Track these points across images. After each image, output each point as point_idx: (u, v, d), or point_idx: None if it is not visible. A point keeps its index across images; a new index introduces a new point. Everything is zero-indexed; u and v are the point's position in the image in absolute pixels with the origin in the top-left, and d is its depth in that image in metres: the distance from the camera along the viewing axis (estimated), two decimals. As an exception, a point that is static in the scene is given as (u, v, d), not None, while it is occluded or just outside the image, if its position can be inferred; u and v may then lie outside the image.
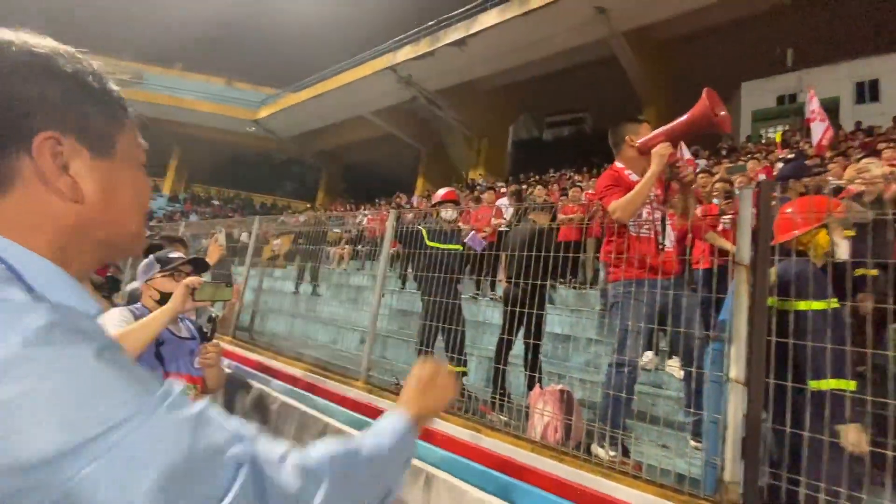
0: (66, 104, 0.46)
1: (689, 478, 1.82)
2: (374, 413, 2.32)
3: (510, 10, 13.35)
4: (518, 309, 2.90)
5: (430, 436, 2.08)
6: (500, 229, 4.85)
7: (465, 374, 3.33)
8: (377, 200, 16.75)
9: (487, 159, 19.05)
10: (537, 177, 15.70)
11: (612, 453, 1.90)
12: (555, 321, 4.59)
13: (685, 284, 2.41)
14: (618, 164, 2.50)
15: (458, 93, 17.01)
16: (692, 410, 2.11)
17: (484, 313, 4.80)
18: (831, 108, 14.15)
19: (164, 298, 1.62)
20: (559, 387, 2.56)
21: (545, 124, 23.48)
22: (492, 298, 4.96)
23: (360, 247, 9.85)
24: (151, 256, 1.76)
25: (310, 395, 2.60)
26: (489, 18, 13.86)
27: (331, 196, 26.07)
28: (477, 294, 5.01)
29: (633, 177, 2.38)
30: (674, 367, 3.47)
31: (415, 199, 12.44)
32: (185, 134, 25.85)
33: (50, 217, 0.44)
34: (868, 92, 14.48)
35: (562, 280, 4.81)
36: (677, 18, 12.82)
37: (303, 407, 2.15)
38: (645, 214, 2.36)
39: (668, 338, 2.25)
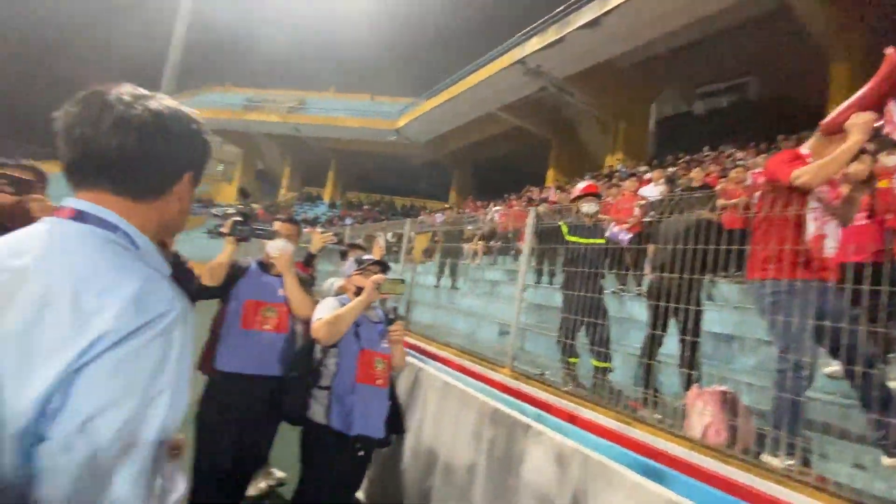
0: (201, 156, 0.80)
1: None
2: (523, 397, 2.50)
3: (651, -24, 12.14)
4: (668, 304, 2.77)
5: (581, 423, 2.17)
6: (646, 220, 4.58)
7: (610, 369, 3.29)
8: (506, 195, 16.92)
9: (626, 143, 17.67)
10: (688, 157, 14.04)
11: (788, 462, 1.74)
12: (714, 319, 4.17)
13: (884, 280, 2.02)
14: (802, 150, 2.22)
15: (590, 76, 16.13)
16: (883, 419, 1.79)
17: (629, 309, 4.60)
18: None
19: (359, 291, 2.05)
20: (721, 388, 2.39)
21: (696, 96, 20.74)
22: (638, 294, 4.72)
23: (492, 242, 10.19)
24: (352, 258, 2.23)
25: (463, 376, 2.91)
26: (626, -10, 12.82)
27: (461, 194, 27.19)
28: (622, 288, 4.81)
29: None
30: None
31: (551, 192, 12.19)
32: (339, 148, 29.74)
33: (167, 215, 0.78)
34: None
35: (724, 274, 4.32)
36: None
37: (461, 385, 2.43)
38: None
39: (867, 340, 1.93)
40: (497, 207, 13.71)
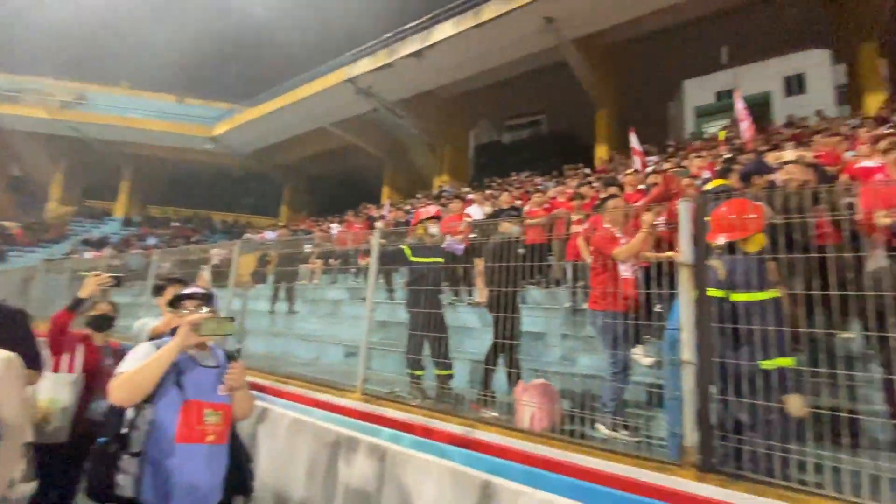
0: None
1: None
2: (378, 420, 2.52)
3: (464, 22, 13.77)
4: (500, 314, 3.18)
5: (436, 436, 2.30)
6: (472, 236, 5.12)
7: (451, 376, 3.56)
8: (344, 212, 16.71)
9: (452, 166, 19.39)
10: (499, 180, 16.16)
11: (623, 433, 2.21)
12: (528, 321, 4.90)
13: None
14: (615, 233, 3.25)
15: (418, 102, 17.29)
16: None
17: (463, 318, 5.05)
18: (763, 103, 15.36)
19: (174, 333, 1.72)
20: (540, 381, 2.85)
21: (504, 128, 24.15)
22: (470, 304, 5.22)
23: (331, 261, 9.89)
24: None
25: (312, 409, 2.77)
26: (445, 30, 14.23)
27: (295, 210, 25.71)
28: (455, 300, 5.25)
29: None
30: (638, 354, 3.84)
31: (386, 211, 12.45)
32: (136, 154, 24.86)
33: None
34: (795, 85, 15.81)
35: (532, 281, 5.12)
36: (621, 25, 13.61)
37: (312, 420, 2.32)
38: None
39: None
40: (335, 225, 13.38)
